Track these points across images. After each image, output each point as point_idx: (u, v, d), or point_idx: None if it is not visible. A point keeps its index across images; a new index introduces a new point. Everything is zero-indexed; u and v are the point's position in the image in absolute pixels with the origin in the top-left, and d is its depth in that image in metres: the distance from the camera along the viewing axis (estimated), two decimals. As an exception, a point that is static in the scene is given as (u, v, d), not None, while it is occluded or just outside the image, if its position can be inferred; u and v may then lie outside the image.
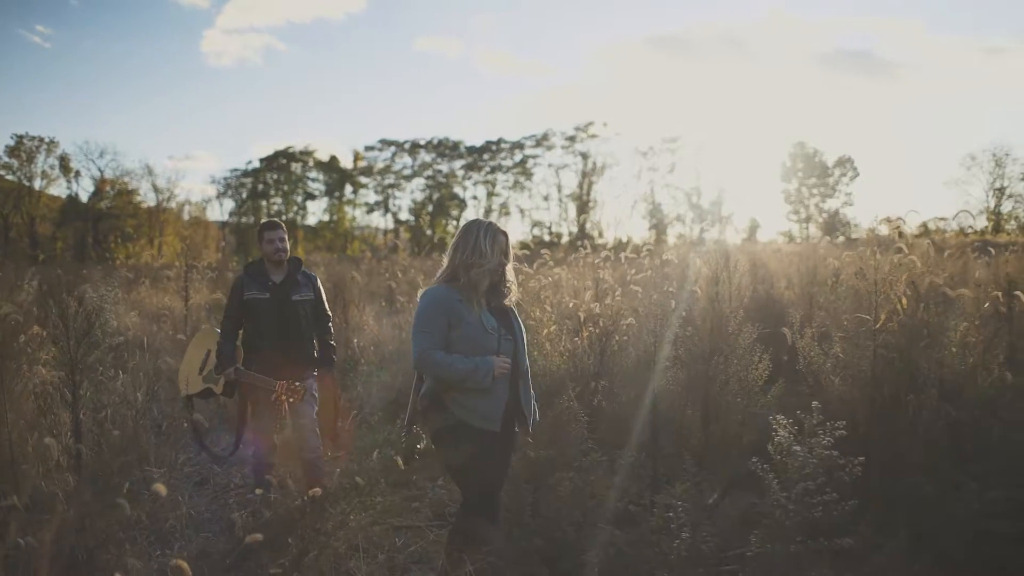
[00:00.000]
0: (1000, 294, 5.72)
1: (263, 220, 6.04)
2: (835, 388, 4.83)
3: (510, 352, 4.09)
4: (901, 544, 3.89)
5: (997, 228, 49.69)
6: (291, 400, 5.28)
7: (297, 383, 5.34)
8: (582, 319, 6.35)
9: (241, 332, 5.82)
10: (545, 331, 6.37)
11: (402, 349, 8.78)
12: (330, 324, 6.01)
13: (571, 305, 6.53)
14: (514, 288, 4.27)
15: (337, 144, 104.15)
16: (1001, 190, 57.80)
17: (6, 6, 75.06)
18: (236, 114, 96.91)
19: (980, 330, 4.88)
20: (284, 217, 71.45)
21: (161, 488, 2.75)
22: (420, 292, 4.29)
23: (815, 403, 3.79)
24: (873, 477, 4.49)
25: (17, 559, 3.14)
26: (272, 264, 5.84)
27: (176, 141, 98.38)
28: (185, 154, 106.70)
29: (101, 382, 4.93)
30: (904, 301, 4.63)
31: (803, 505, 3.55)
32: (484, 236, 4.10)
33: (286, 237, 5.91)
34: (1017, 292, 5.52)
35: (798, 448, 3.69)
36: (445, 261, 4.19)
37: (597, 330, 6.03)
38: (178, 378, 6.22)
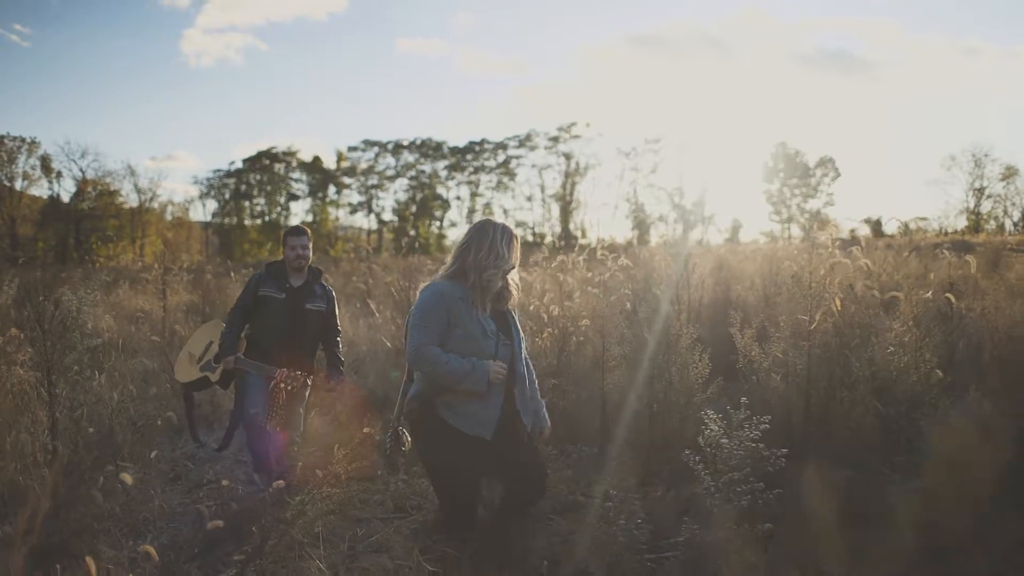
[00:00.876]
0: (930, 295, 6.01)
1: (290, 224, 5.97)
2: (775, 385, 5.12)
3: (507, 358, 4.03)
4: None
5: (977, 228, 50.25)
6: (289, 388, 5.27)
7: (298, 372, 5.34)
8: (545, 320, 6.61)
9: (247, 327, 5.79)
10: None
11: (375, 350, 9.01)
12: (339, 338, 5.96)
13: (531, 308, 6.79)
14: (516, 292, 4.19)
15: (320, 145, 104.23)
16: (981, 190, 58.39)
17: (-16, 5, 74.74)
18: (217, 115, 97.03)
19: (913, 330, 5.15)
20: (267, 218, 71.43)
21: (127, 478, 2.99)
22: (422, 286, 4.20)
23: (743, 399, 4.07)
24: (808, 469, 4.78)
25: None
26: (292, 269, 5.83)
27: (157, 142, 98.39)
28: (166, 155, 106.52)
29: (77, 382, 5.14)
30: (838, 303, 4.91)
31: (730, 494, 3.82)
32: (501, 238, 4.06)
33: (310, 245, 5.91)
34: (948, 295, 5.84)
35: (725, 441, 3.96)
36: (449, 258, 4.16)
37: (557, 331, 6.29)
38: (176, 366, 6.12)
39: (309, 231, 6.02)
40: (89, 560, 2.06)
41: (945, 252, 7.48)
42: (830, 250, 5.16)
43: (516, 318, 4.24)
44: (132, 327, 9.98)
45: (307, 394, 5.73)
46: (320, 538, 4.24)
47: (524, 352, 4.26)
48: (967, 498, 4.13)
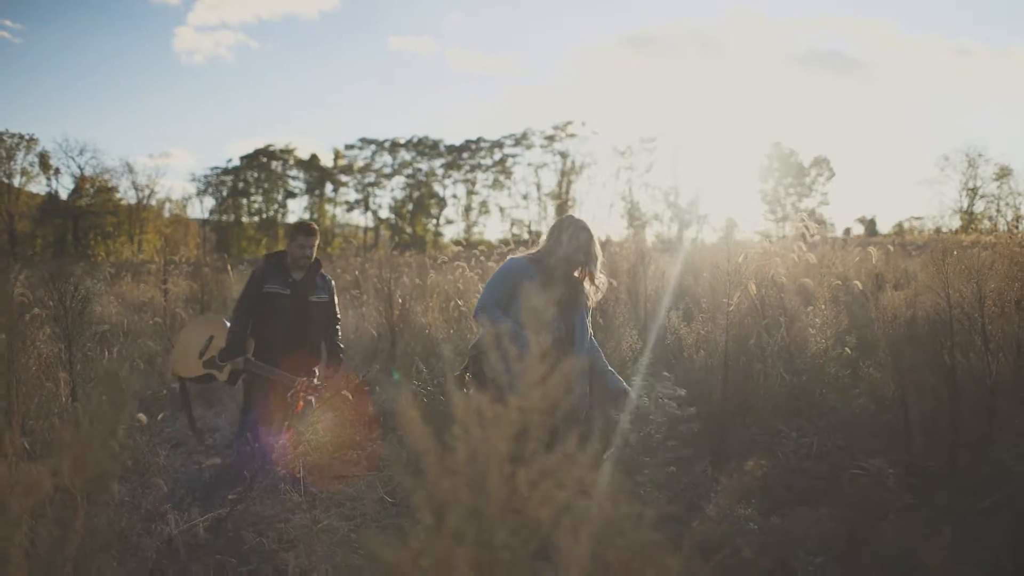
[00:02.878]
0: (840, 282, 6.78)
1: (299, 221, 6.14)
2: (699, 359, 5.89)
3: (560, 337, 4.18)
4: (731, 477, 4.92)
5: (970, 227, 50.77)
6: (310, 398, 5.36)
7: (316, 381, 5.45)
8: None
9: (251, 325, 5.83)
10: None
11: (360, 337, 9.74)
12: (339, 327, 6.07)
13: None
14: (593, 293, 4.38)
15: (314, 142, 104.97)
16: (974, 190, 58.95)
17: (-29, 1, 74.47)
18: (211, 112, 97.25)
19: (823, 312, 5.90)
20: (265, 215, 72.08)
21: (142, 417, 3.73)
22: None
23: (665, 372, 4.83)
24: (726, 430, 5.56)
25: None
26: (296, 266, 5.88)
27: (152, 139, 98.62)
28: (161, 152, 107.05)
29: (90, 357, 5.87)
30: (753, 287, 5.65)
31: (646, 446, 4.58)
32: (566, 230, 4.28)
33: (316, 244, 5.95)
34: (856, 282, 6.62)
35: (646, 400, 4.72)
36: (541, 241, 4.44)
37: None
38: (173, 358, 6.20)
39: (318, 230, 6.06)
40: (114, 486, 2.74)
41: (913, 252, 8.23)
42: (798, 246, 5.93)
43: (583, 302, 4.35)
44: (136, 315, 10.74)
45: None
46: (303, 480, 4.98)
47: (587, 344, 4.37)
48: (843, 441, 4.92)
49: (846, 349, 5.95)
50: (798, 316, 5.93)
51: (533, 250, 4.47)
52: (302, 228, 5.94)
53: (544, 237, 4.45)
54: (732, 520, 4.07)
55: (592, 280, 4.35)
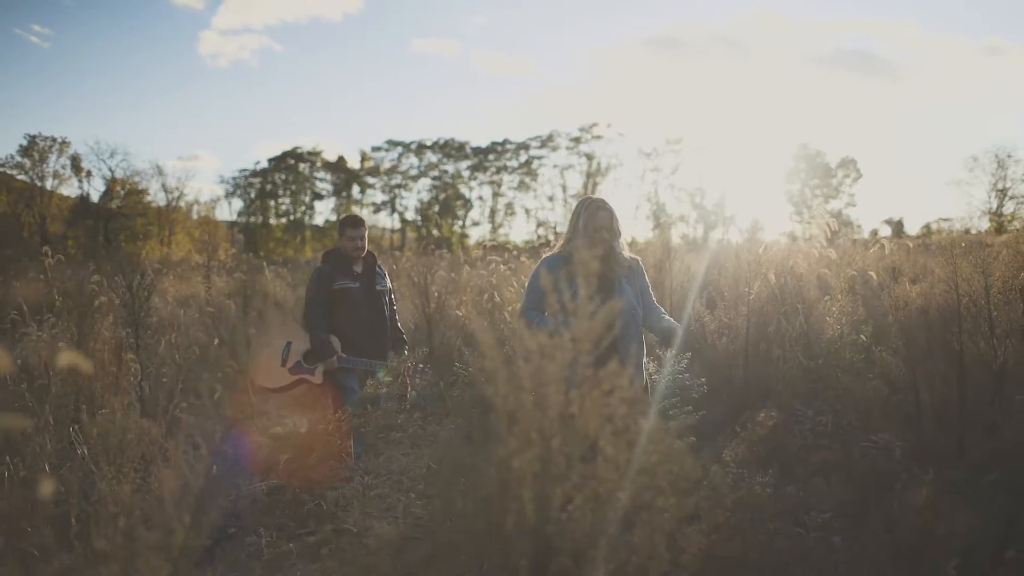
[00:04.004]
0: (855, 273, 7.09)
1: (344, 215, 6.23)
2: (721, 345, 6.24)
3: (605, 320, 4.60)
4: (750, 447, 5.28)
5: (1000, 229, 50.28)
6: (417, 381, 5.45)
7: (421, 365, 5.53)
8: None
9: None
10: (510, 308, 7.81)
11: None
12: (397, 315, 6.26)
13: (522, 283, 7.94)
14: (621, 259, 4.38)
15: (339, 144, 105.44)
16: (1003, 191, 58.40)
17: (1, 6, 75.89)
18: (236, 114, 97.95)
19: (840, 300, 6.24)
20: (292, 217, 72.76)
21: (214, 388, 4.14)
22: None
23: (687, 353, 5.20)
24: (747, 411, 5.91)
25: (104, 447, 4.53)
26: (352, 259, 6.02)
27: (178, 142, 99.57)
28: (189, 155, 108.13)
29: (149, 345, 6.29)
30: (772, 277, 6.00)
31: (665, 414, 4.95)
32: (581, 213, 4.35)
33: (366, 235, 6.07)
34: (871, 272, 6.94)
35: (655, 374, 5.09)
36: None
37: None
38: (252, 377, 6.13)
39: (365, 220, 6.19)
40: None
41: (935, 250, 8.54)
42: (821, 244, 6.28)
43: (626, 281, 4.38)
44: (181, 310, 11.21)
45: None
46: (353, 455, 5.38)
47: (646, 307, 4.47)
48: (856, 421, 5.26)
49: (861, 336, 6.27)
50: (816, 305, 6.26)
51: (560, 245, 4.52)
52: (348, 221, 6.09)
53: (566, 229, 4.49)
54: (749, 486, 4.43)
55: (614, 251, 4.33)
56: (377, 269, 6.13)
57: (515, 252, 12.64)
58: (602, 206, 4.36)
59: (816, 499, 4.42)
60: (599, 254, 3.94)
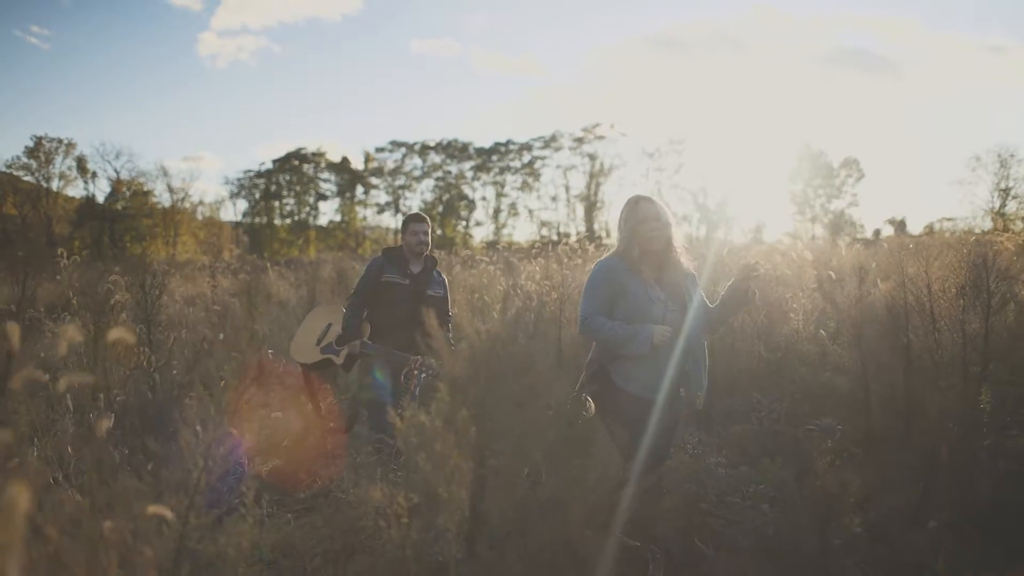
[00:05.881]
0: (816, 272, 7.59)
1: (410, 212, 6.27)
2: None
3: (678, 324, 4.07)
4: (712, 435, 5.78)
5: (1005, 228, 49.92)
6: (424, 375, 5.34)
7: (433, 360, 5.77)
8: (527, 292, 8.26)
9: (366, 312, 5.97)
10: (497, 305, 8.33)
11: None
12: (452, 324, 5.96)
13: (509, 284, 8.46)
14: (682, 258, 4.21)
15: (342, 145, 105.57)
16: (1006, 191, 58.42)
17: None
18: (237, 116, 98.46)
19: (800, 298, 6.74)
20: (296, 217, 73.28)
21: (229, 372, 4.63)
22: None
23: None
24: (711, 401, 6.41)
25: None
26: (412, 255, 5.99)
27: (181, 143, 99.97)
28: (191, 156, 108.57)
29: (161, 341, 6.79)
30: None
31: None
32: (628, 216, 4.16)
33: (430, 231, 6.08)
34: (830, 272, 7.44)
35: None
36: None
37: (533, 302, 7.93)
38: (291, 346, 6.38)
39: (428, 218, 6.18)
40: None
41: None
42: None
43: (694, 288, 4.25)
44: (188, 308, 11.72)
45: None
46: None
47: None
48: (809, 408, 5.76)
49: (821, 331, 6.77)
50: (778, 303, 6.76)
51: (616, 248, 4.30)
52: (413, 217, 6.12)
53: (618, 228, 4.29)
54: (705, 467, 4.93)
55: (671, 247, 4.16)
56: (435, 275, 6.11)
57: (504, 252, 13.11)
58: (643, 198, 4.20)
59: (762, 475, 4.91)
60: (657, 250, 4.09)
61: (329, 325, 6.19)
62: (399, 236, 6.21)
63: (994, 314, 5.71)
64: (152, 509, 1.75)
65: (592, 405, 3.92)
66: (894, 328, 6.11)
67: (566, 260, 9.21)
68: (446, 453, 2.28)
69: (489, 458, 2.29)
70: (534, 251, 12.54)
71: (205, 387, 2.59)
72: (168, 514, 1.81)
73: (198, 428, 2.40)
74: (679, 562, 3.71)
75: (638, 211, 4.11)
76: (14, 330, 1.63)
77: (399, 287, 5.87)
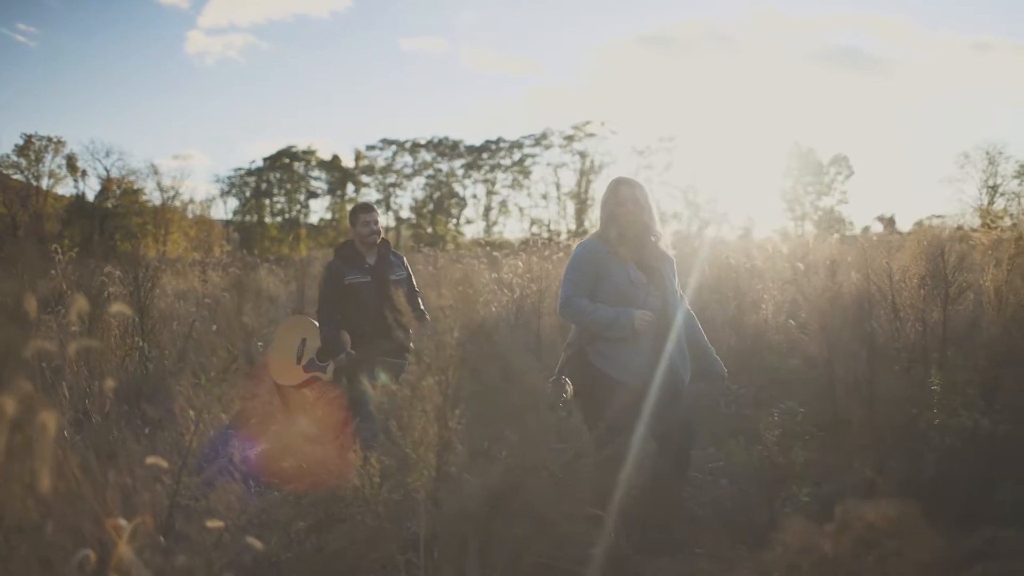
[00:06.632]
0: (786, 264, 7.87)
1: (355, 204, 6.15)
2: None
3: (657, 307, 4.08)
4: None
5: (992, 225, 49.93)
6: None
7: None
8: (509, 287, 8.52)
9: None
10: (482, 297, 8.59)
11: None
12: (420, 299, 5.98)
13: (492, 277, 8.71)
14: (661, 242, 4.24)
15: (332, 143, 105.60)
16: (994, 188, 58.70)
17: (-15, 5, 75.40)
18: (225, 114, 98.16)
19: (771, 289, 7.00)
20: (287, 215, 73.31)
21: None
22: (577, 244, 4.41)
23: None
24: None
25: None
26: (365, 246, 5.88)
27: (170, 141, 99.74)
28: (180, 154, 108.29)
29: (152, 331, 7.03)
30: (707, 268, 6.77)
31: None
32: (608, 198, 4.18)
33: (379, 219, 5.97)
34: (799, 264, 7.72)
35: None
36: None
37: (515, 295, 8.19)
38: (271, 372, 6.21)
39: (375, 205, 6.11)
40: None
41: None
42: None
43: (672, 270, 4.27)
44: (179, 303, 11.93)
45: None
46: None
47: (683, 302, 4.42)
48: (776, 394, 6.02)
49: (791, 321, 7.03)
50: (747, 294, 7.02)
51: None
52: (361, 207, 6.03)
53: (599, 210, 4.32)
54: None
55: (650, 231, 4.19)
56: (392, 258, 6.02)
57: (488, 248, 13.38)
58: (623, 181, 4.22)
59: (725, 454, 5.18)
60: (635, 233, 4.11)
61: (304, 340, 6.06)
62: (351, 226, 6.04)
63: (952, 303, 5.99)
64: (150, 460, 1.98)
65: (570, 387, 4.06)
66: (859, 318, 6.38)
67: (546, 254, 9.44)
68: (413, 420, 2.53)
69: (451, 423, 2.53)
70: (519, 248, 12.77)
71: (195, 374, 2.79)
72: (164, 463, 2.04)
73: (192, 396, 2.63)
74: (641, 530, 3.95)
75: (617, 194, 4.14)
76: (31, 302, 1.83)
77: (363, 286, 5.75)
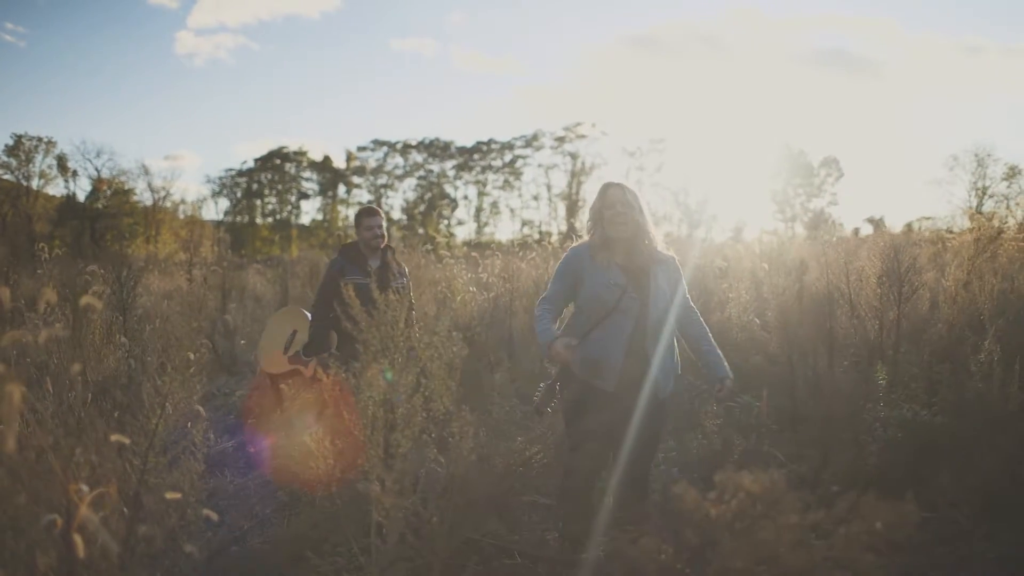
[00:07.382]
0: (750, 265, 8.10)
1: (361, 206, 6.10)
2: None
3: (634, 311, 3.95)
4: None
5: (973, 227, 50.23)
6: None
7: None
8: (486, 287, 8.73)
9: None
10: (459, 296, 8.80)
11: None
12: (413, 311, 5.99)
13: (469, 277, 8.92)
14: (653, 246, 4.13)
15: (322, 144, 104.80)
16: (983, 190, 58.89)
17: (-29, 5, 75.25)
18: (215, 114, 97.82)
19: (736, 286, 7.23)
20: (278, 216, 73.39)
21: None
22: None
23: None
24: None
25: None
26: (369, 250, 5.89)
27: (160, 141, 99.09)
28: (171, 154, 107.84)
29: (135, 329, 7.20)
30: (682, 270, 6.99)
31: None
32: (596, 201, 4.13)
33: (384, 224, 5.96)
34: (764, 264, 7.96)
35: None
36: None
37: (492, 294, 8.41)
38: (258, 352, 6.35)
39: (381, 210, 6.04)
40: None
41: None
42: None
43: (662, 274, 4.10)
44: (165, 302, 12.12)
45: None
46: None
47: (683, 305, 4.26)
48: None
49: (755, 319, 7.26)
50: (716, 292, 7.25)
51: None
52: (366, 211, 6.01)
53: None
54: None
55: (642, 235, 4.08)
56: (394, 266, 6.02)
57: (470, 249, 13.58)
58: (613, 184, 4.13)
59: (683, 445, 5.40)
60: (625, 234, 4.00)
61: (294, 332, 6.18)
62: (356, 229, 6.06)
63: (905, 302, 6.22)
64: (114, 437, 2.18)
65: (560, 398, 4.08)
66: (819, 316, 6.61)
67: (521, 254, 9.65)
68: (363, 404, 2.74)
69: (397, 407, 2.75)
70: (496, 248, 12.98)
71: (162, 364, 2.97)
72: (126, 440, 2.24)
73: (159, 383, 2.84)
74: (589, 516, 4.15)
75: (605, 196, 4.07)
76: (4, 292, 2.02)
77: (362, 287, 5.30)
